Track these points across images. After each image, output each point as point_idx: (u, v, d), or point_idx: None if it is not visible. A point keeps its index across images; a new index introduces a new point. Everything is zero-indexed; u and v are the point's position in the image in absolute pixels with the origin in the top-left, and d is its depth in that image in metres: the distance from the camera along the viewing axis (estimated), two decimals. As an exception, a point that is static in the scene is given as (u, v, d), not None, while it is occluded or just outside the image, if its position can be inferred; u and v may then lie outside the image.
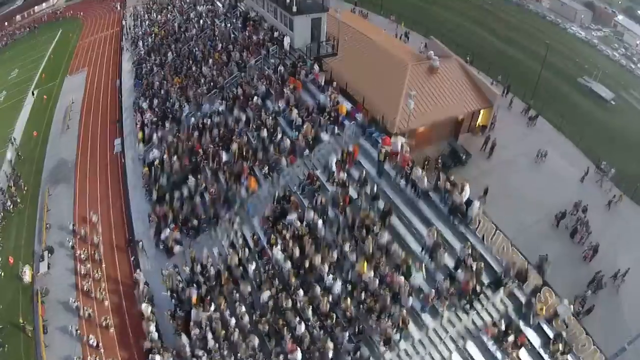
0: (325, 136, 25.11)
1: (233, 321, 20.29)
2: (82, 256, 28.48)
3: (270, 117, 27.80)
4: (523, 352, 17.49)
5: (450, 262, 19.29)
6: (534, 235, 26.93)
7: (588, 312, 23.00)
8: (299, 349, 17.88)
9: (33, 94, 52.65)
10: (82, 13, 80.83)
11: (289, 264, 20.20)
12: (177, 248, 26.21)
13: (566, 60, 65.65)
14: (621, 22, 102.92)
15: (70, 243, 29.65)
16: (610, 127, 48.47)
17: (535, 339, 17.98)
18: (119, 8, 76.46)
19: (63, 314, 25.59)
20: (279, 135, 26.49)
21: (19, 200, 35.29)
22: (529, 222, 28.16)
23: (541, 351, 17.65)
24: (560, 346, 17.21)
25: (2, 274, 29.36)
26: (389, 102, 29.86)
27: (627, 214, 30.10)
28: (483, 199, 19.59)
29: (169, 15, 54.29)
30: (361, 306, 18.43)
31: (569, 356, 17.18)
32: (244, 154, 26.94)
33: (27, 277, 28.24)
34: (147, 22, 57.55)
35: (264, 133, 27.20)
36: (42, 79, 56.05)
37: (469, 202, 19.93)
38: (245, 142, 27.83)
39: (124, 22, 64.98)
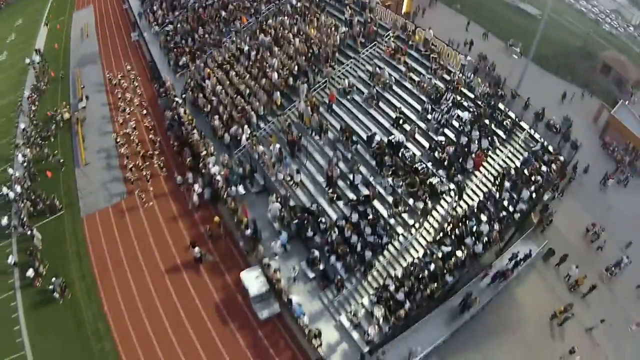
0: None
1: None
2: (118, 85, 40.75)
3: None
4: (412, 65, 30.84)
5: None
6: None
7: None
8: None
9: (46, 24, 62.47)
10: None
11: (269, 37, 34.77)
12: (192, 65, 39.47)
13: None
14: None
15: (111, 79, 41.81)
16: (530, 30, 52.68)
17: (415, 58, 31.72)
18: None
19: (99, 121, 37.93)
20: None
21: (50, 80, 45.66)
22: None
23: (421, 58, 31.25)
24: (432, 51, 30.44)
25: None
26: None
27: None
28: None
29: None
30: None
31: (441, 60, 29.97)
32: (239, 8, 41.15)
33: (65, 115, 38.29)
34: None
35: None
36: (51, 18, 65.25)
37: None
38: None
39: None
